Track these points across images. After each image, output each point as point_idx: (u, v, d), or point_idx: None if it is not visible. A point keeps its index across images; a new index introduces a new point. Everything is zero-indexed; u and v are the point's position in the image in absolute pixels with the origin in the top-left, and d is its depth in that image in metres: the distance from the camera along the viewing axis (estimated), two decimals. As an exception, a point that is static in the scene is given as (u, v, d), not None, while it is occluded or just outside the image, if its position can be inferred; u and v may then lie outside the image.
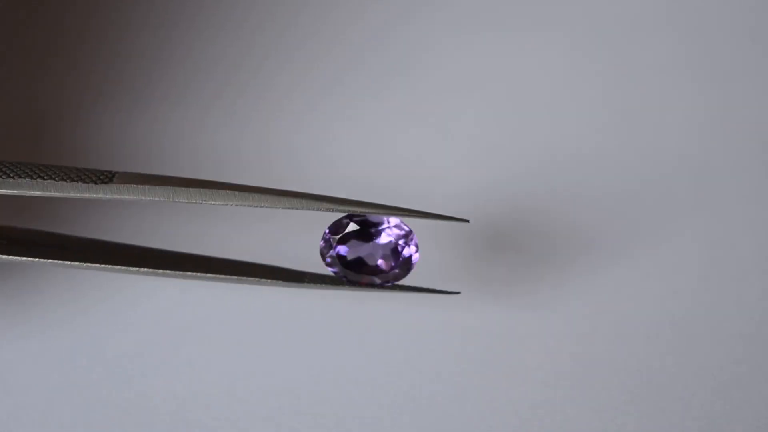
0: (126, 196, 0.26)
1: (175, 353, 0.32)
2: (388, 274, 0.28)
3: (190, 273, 0.28)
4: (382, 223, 0.28)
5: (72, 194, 0.26)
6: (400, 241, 0.28)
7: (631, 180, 0.34)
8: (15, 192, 0.26)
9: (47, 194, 0.26)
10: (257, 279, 0.28)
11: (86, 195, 0.26)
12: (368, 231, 0.28)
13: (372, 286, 0.28)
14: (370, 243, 0.28)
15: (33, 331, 0.32)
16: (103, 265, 0.28)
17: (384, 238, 0.28)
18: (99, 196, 0.26)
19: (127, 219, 0.33)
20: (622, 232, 0.33)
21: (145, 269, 0.28)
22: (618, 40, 0.35)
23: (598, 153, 0.34)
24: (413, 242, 0.28)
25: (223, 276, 0.28)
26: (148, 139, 0.34)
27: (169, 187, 0.27)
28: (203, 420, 0.31)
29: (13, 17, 0.35)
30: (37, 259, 0.27)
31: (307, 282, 0.28)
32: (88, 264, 0.28)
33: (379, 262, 0.28)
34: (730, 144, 0.34)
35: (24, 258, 0.27)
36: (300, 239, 0.32)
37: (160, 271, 0.28)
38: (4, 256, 0.27)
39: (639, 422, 0.32)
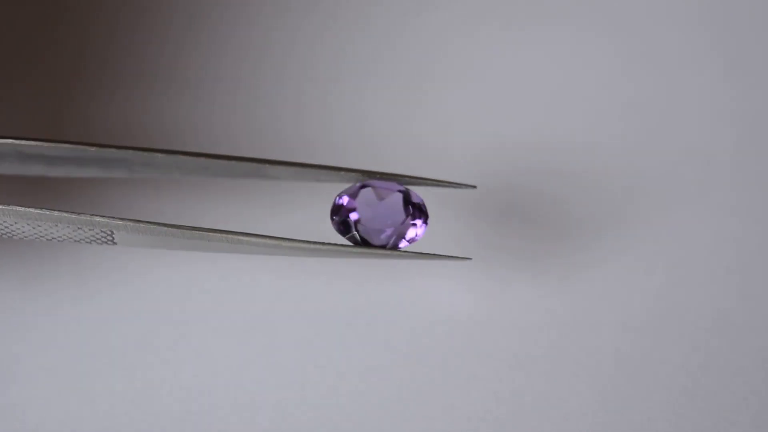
0: (156, 155, 0.26)
1: (181, 341, 0.32)
2: (400, 226, 0.28)
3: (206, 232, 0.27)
4: (385, 189, 0.28)
5: (96, 146, 0.26)
6: (406, 195, 0.28)
7: (640, 170, 0.34)
8: (36, 143, 0.26)
9: (68, 145, 0.26)
10: (272, 240, 0.27)
11: (112, 151, 0.26)
12: (374, 195, 0.28)
13: (385, 246, 0.28)
14: (379, 202, 0.28)
15: (38, 320, 0.32)
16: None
17: (392, 197, 0.28)
18: (130, 153, 0.26)
19: (139, 205, 0.33)
20: (629, 223, 0.33)
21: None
22: (624, 31, 0.36)
23: (608, 143, 0.34)
24: (417, 198, 0.28)
25: (237, 237, 0.27)
26: (157, 128, 0.34)
27: (202, 158, 0.27)
28: (209, 410, 0.31)
29: (24, 16, 0.35)
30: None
31: (319, 246, 0.28)
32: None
33: (389, 216, 0.28)
34: (736, 136, 0.34)
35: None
36: (308, 215, 0.32)
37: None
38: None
39: (645, 414, 0.31)
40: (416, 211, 0.28)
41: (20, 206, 0.26)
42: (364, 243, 0.28)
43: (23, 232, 0.27)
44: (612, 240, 0.33)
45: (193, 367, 0.32)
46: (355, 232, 0.28)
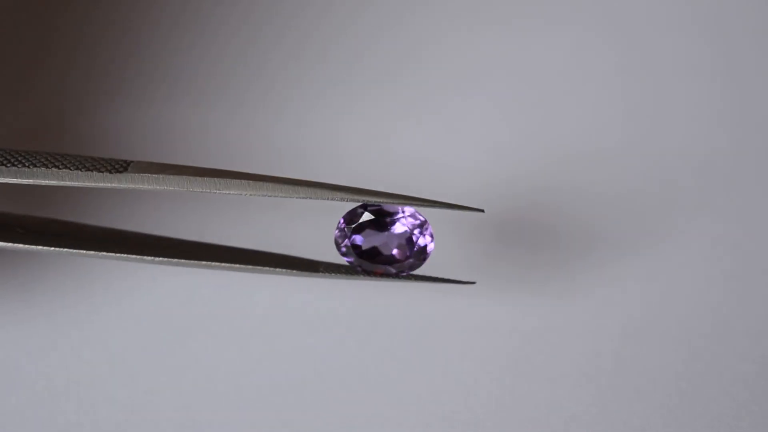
0: (141, 186, 0.26)
1: (181, 349, 0.32)
2: (402, 263, 0.28)
3: (204, 262, 0.28)
4: (396, 213, 0.28)
5: (87, 183, 0.26)
6: (416, 231, 0.28)
7: (638, 178, 0.34)
8: (30, 181, 0.26)
9: (62, 183, 0.26)
10: (271, 268, 0.28)
11: (101, 184, 0.26)
12: (383, 220, 0.28)
13: (387, 275, 0.28)
14: (385, 232, 0.28)
15: (38, 327, 0.32)
16: (117, 254, 0.27)
17: (399, 228, 0.28)
18: (113, 185, 0.26)
19: (140, 209, 0.33)
20: (628, 230, 0.33)
21: (161, 258, 0.27)
22: (625, 37, 0.35)
23: (607, 151, 0.34)
24: (428, 232, 0.28)
25: (237, 265, 0.28)
26: (159, 132, 0.34)
27: (184, 177, 0.26)
28: (209, 417, 0.31)
29: (29, 17, 0.35)
30: (52, 248, 0.27)
31: (322, 271, 0.28)
32: (104, 253, 0.27)
33: (394, 251, 0.28)
34: (735, 142, 0.34)
35: (39, 247, 0.27)
36: (314, 229, 0.32)
37: (175, 260, 0.28)
38: (21, 245, 0.27)
39: (645, 420, 0.32)
40: (421, 238, 0.28)
41: (31, 245, 0.26)
42: (368, 270, 0.28)
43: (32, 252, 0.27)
44: (611, 247, 0.33)
45: (194, 373, 0.32)
46: (360, 259, 0.28)
